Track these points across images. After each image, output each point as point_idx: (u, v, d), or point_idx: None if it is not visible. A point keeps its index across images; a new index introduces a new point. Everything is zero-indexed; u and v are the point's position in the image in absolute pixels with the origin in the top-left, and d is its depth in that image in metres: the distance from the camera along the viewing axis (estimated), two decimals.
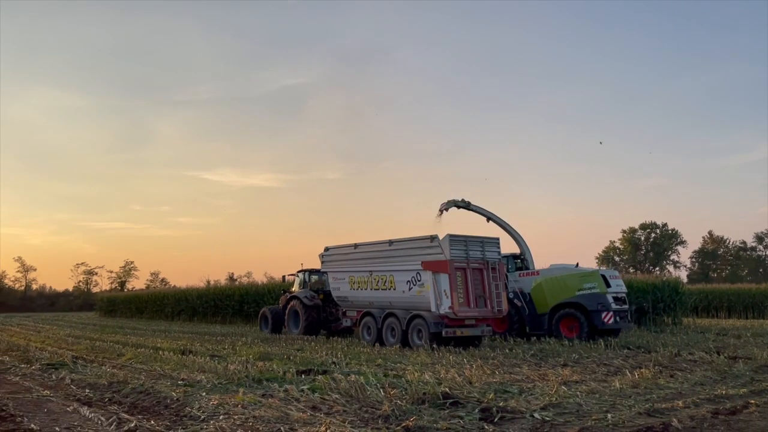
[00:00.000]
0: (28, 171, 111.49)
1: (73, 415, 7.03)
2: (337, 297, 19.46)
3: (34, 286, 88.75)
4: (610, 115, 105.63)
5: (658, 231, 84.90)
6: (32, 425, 6.31)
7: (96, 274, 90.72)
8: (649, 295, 25.45)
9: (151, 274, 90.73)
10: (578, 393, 7.98)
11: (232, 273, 73.25)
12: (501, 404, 7.08)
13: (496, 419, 6.43)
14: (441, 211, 20.30)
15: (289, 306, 21.70)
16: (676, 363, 11.52)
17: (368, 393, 7.79)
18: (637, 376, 9.39)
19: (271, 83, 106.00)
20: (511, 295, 18.70)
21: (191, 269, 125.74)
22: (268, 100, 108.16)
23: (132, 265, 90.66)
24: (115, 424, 6.39)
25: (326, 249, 19.96)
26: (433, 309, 15.43)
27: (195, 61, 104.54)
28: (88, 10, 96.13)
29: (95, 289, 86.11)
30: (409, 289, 16.33)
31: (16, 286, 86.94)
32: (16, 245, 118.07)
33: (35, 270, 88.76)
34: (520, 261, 20.12)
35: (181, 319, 38.10)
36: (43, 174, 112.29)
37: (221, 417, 6.59)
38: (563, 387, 8.40)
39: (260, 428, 6.04)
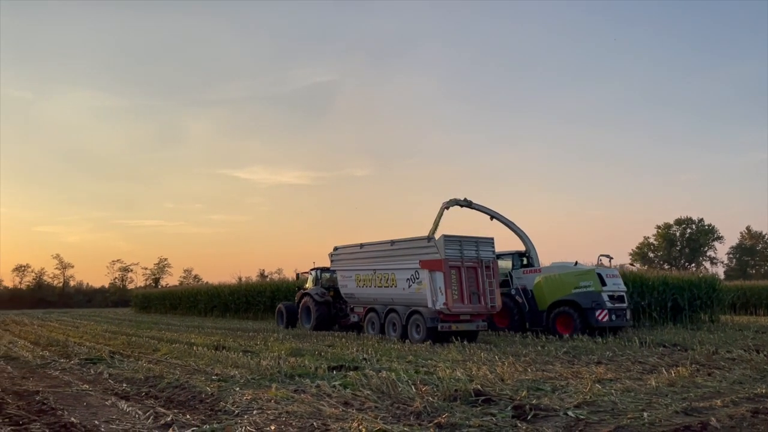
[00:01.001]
0: (65, 170, 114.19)
1: (112, 409, 7.19)
2: (345, 294, 20.55)
3: (72, 283, 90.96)
4: (644, 110, 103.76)
5: (693, 226, 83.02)
6: (72, 418, 6.46)
7: (131, 270, 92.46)
8: (685, 291, 24.95)
9: (185, 270, 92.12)
10: (613, 391, 7.85)
11: (263, 270, 74.06)
12: (534, 402, 7.01)
13: (529, 417, 6.36)
14: (443, 209, 20.62)
15: (302, 302, 22.74)
16: (713, 361, 11.26)
17: (400, 389, 7.80)
18: (673, 375, 9.20)
19: (300, 81, 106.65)
20: (513, 292, 19.69)
21: (223, 266, 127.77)
22: (298, 97, 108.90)
23: (166, 262, 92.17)
24: (152, 418, 6.52)
25: (335, 248, 21.11)
26: (430, 305, 16.37)
27: (225, 60, 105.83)
28: (122, 12, 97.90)
29: (130, 286, 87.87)
30: (409, 286, 17.34)
31: (55, 282, 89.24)
32: (55, 243, 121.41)
33: (73, 267, 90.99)
34: (526, 258, 20.56)
35: (214, 315, 38.65)
36: (80, 173, 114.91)
37: (255, 412, 6.66)
38: (597, 385, 8.29)
39: (293, 423, 6.09)
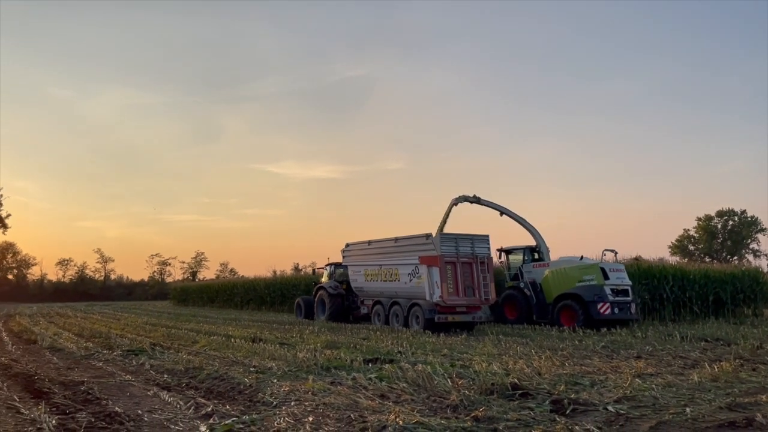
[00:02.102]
0: (105, 166, 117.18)
1: (154, 399, 7.35)
2: (355, 287, 22.17)
3: (113, 276, 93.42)
4: (682, 101, 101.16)
5: (735, 218, 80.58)
6: (117, 408, 6.62)
7: (169, 264, 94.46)
8: (727, 285, 24.28)
9: (221, 264, 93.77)
10: (654, 386, 7.69)
11: (297, 263, 74.84)
12: (572, 396, 6.92)
13: (567, 411, 6.28)
14: (451, 206, 21.01)
15: (317, 295, 24.30)
16: (758, 356, 10.96)
17: (435, 382, 7.79)
18: (716, 370, 8.97)
19: (333, 75, 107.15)
20: (521, 285, 20.67)
21: (258, 260, 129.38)
22: (331, 92, 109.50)
23: (203, 256, 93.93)
24: (193, 408, 6.64)
25: (347, 245, 22.59)
26: (428, 298, 17.80)
27: (258, 56, 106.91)
28: (159, 11, 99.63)
29: (168, 279, 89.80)
30: (410, 280, 18.70)
31: (97, 276, 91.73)
32: (96, 237, 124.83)
33: (113, 261, 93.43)
34: (537, 253, 21.29)
35: (250, 307, 39.21)
36: (119, 169, 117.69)
37: (293, 403, 6.74)
38: (637, 380, 8.14)
39: (331, 415, 6.14)
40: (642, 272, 22.34)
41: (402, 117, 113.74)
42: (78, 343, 14.58)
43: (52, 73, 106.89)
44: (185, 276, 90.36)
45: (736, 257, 76.48)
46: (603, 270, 18.75)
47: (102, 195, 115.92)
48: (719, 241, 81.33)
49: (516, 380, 7.70)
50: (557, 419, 5.93)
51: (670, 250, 78.91)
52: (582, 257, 20.08)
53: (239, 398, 7.28)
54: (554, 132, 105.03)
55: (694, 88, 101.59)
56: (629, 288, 19.22)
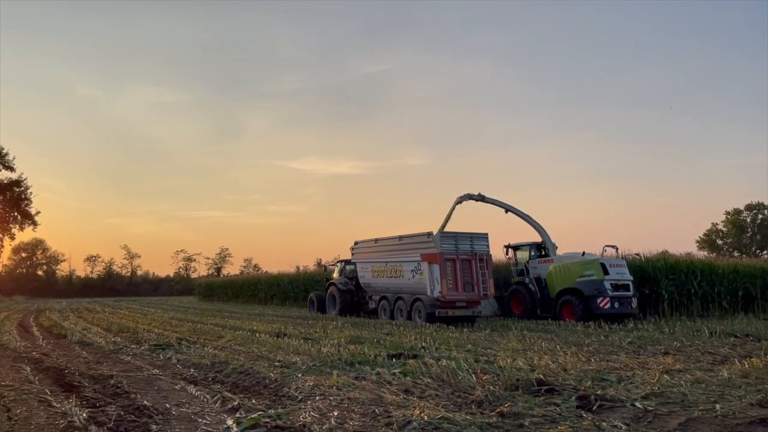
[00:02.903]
0: (130, 164, 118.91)
1: (181, 393, 7.44)
2: (363, 283, 23.30)
3: (139, 272, 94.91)
4: (709, 92, 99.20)
5: (765, 212, 78.97)
6: (145, 401, 6.72)
7: (194, 260, 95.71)
8: (757, 280, 23.82)
9: (245, 260, 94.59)
10: (682, 382, 7.57)
11: (320, 259, 75.05)
12: (599, 392, 6.84)
13: (594, 407, 6.21)
14: (456, 204, 21.67)
15: (328, 291, 25.41)
16: None
17: (460, 378, 7.76)
18: (746, 366, 8.79)
19: (354, 71, 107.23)
20: (526, 281, 21.50)
21: (282, 255, 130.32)
22: (352, 87, 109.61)
23: (227, 252, 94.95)
24: (219, 402, 6.72)
25: (355, 243, 23.62)
26: (429, 293, 18.78)
27: (280, 53, 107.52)
28: (180, 10, 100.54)
29: (193, 275, 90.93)
30: (413, 276, 19.71)
31: (124, 272, 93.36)
32: (122, 234, 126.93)
33: (140, 257, 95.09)
34: (543, 249, 21.86)
35: (274, 303, 39.52)
36: (144, 166, 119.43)
37: (317, 398, 6.77)
38: (665, 376, 8.02)
39: (356, 410, 6.15)
40: (669, 267, 22.02)
41: (423, 112, 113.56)
42: (106, 337, 14.84)
43: (80, 73, 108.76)
44: (210, 272, 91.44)
45: (766, 251, 74.97)
46: (603, 265, 19.27)
47: (128, 192, 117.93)
48: (748, 235, 79.79)
49: (541, 376, 7.64)
50: (584, 415, 5.87)
51: (697, 244, 77.82)
52: (584, 253, 20.54)
53: (265, 392, 7.34)
54: (578, 125, 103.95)
55: (723, 78, 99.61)
56: (630, 283, 19.64)
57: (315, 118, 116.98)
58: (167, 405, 6.61)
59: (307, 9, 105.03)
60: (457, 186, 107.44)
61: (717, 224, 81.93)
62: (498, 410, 5.99)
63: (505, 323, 18.69)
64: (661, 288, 21.44)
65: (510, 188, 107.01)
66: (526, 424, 5.55)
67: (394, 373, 8.20)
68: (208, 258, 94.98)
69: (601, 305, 18.75)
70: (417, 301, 19.17)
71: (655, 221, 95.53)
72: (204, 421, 5.90)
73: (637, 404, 6.32)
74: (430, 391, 7.09)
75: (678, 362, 9.49)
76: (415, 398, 6.67)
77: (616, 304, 18.88)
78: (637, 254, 23.10)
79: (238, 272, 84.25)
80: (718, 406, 6.17)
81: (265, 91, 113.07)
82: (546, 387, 7.09)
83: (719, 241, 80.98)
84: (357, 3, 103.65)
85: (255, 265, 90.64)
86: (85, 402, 6.80)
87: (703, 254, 45.68)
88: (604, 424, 5.50)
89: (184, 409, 6.42)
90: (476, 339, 13.50)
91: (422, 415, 5.70)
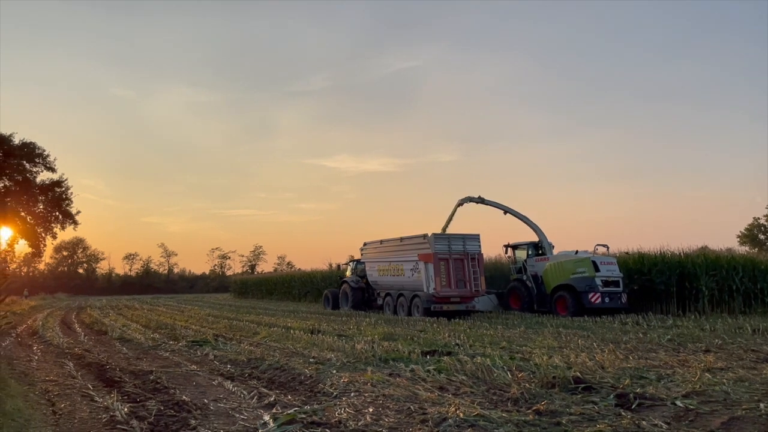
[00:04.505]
0: (166, 164, 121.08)
1: (219, 388, 7.56)
2: (371, 281, 25.00)
3: (176, 270, 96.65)
4: (744, 85, 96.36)
5: None
6: (184, 397, 6.84)
7: (229, 258, 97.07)
8: None
9: (278, 257, 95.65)
10: (724, 381, 7.38)
11: (352, 256, 75.27)
12: (638, 390, 6.72)
13: (633, 406, 6.09)
14: (457, 206, 23.25)
15: (342, 288, 27.15)
16: None
17: (495, 375, 7.71)
18: None
19: (383, 68, 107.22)
20: (524, 278, 22.71)
21: (314, 252, 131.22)
22: (382, 85, 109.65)
23: (261, 250, 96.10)
24: (256, 397, 6.80)
25: (364, 244, 25.28)
26: (425, 290, 20.45)
27: (310, 52, 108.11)
28: (213, 12, 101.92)
29: (228, 272, 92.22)
30: (412, 275, 21.34)
31: (161, 269, 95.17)
32: (159, 233, 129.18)
33: (176, 255, 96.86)
34: (540, 248, 22.90)
35: (307, 300, 39.75)
36: (179, 166, 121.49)
37: (352, 394, 6.80)
38: (707, 374, 7.82)
39: (390, 406, 6.16)
40: (709, 263, 21.48)
41: (455, 108, 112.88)
42: (145, 334, 15.14)
43: (114, 75, 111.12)
44: (244, 269, 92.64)
45: None
46: (594, 263, 20.39)
47: (164, 191, 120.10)
48: None
49: (578, 374, 7.54)
50: (623, 414, 5.77)
51: (738, 239, 75.49)
52: (577, 251, 21.64)
53: (300, 388, 7.40)
54: (614, 120, 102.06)
55: (755, 72, 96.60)
56: (620, 279, 20.69)
57: (345, 115, 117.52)
58: (205, 400, 6.72)
59: (336, 7, 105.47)
60: (488, 182, 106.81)
61: (759, 219, 79.52)
62: (534, 408, 5.93)
63: (540, 320, 18.47)
64: (701, 284, 20.94)
65: (540, 185, 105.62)
66: (564, 422, 5.47)
67: (428, 370, 8.18)
68: (242, 255, 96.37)
69: (593, 300, 19.82)
70: (416, 297, 20.74)
71: (695, 217, 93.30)
72: (241, 417, 5.97)
73: (678, 403, 6.19)
74: (464, 388, 7.05)
75: (720, 360, 9.25)
76: (450, 395, 6.64)
77: (607, 299, 19.96)
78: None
79: (271, 269, 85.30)
80: (762, 405, 6.00)
81: (295, 89, 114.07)
82: (583, 385, 7.00)
83: (762, 236, 78.57)
84: (386, 1, 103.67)
85: (288, 263, 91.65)
86: (126, 397, 6.96)
87: (744, 249, 44.46)
88: (644, 422, 5.39)
89: (221, 405, 6.52)
90: (510, 336, 13.38)
91: (457, 412, 5.67)
